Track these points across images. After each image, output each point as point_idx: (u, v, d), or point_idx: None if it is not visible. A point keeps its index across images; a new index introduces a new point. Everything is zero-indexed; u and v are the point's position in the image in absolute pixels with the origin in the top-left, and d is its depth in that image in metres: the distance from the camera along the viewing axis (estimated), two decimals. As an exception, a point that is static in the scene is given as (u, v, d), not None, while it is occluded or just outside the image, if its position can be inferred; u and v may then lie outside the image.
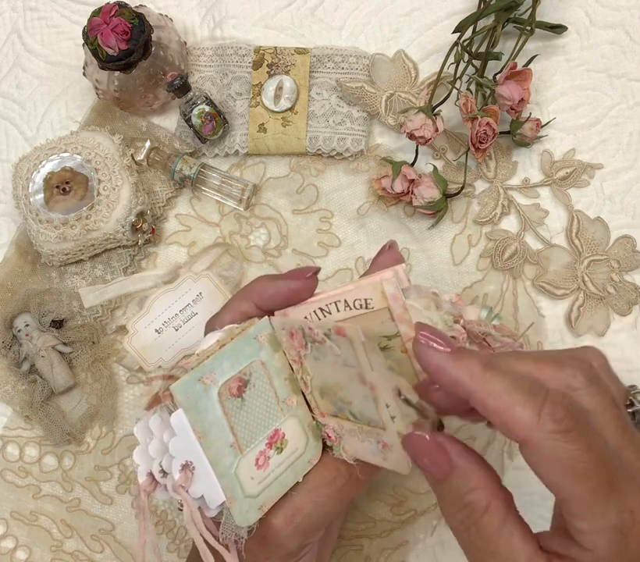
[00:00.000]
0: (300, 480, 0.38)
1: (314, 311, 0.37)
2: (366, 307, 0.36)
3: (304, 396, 0.39)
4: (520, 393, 0.29)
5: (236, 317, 0.39)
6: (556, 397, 0.29)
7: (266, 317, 0.38)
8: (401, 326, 0.36)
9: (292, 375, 0.38)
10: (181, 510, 0.37)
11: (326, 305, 0.37)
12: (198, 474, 0.35)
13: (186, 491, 0.34)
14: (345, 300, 0.36)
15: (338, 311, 0.37)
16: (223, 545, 0.36)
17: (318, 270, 0.39)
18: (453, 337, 0.36)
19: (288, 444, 0.38)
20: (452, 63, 0.53)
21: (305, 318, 0.37)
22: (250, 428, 0.37)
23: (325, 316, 0.37)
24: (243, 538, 0.36)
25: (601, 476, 0.28)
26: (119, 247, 0.57)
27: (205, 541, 0.35)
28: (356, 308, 0.36)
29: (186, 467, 0.34)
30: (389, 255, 0.39)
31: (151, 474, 0.35)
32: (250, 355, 0.37)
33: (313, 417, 0.39)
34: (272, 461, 0.37)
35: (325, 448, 0.39)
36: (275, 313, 0.38)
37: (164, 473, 0.35)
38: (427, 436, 0.32)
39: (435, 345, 0.32)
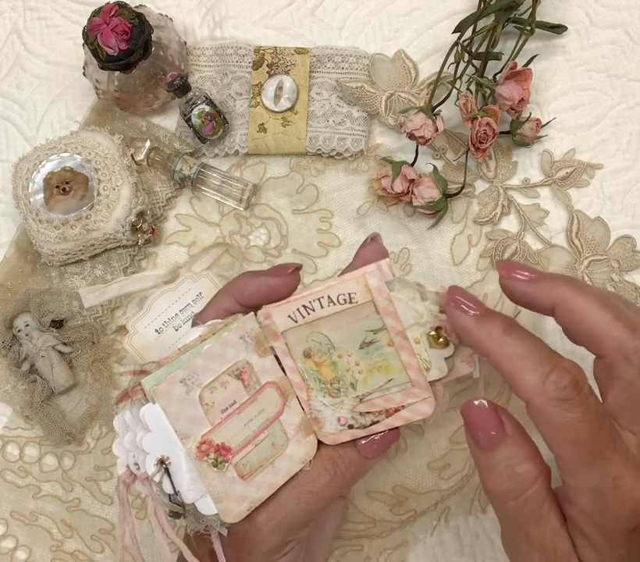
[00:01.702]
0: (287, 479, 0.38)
1: (298, 309, 0.37)
2: (350, 302, 0.36)
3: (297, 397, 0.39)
4: (530, 360, 0.31)
5: (220, 313, 0.39)
6: (565, 367, 0.31)
7: (251, 313, 0.38)
8: (387, 319, 0.36)
9: (283, 378, 0.38)
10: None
11: (310, 302, 0.37)
12: (174, 470, 0.35)
13: (158, 485, 0.34)
14: (328, 296, 0.36)
15: (322, 307, 0.36)
16: (207, 543, 0.37)
17: (299, 267, 0.39)
18: (438, 328, 0.37)
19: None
20: (452, 63, 0.53)
21: (288, 316, 0.37)
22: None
23: (308, 313, 0.37)
24: (215, 530, 0.36)
25: (589, 444, 0.31)
26: (119, 247, 0.57)
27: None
28: (340, 303, 0.36)
29: (162, 462, 0.34)
30: (371, 248, 0.39)
31: (128, 466, 0.36)
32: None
33: (304, 411, 0.39)
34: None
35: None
36: (258, 313, 0.38)
37: (138, 466, 0.35)
38: (486, 404, 0.34)
39: (464, 307, 0.33)
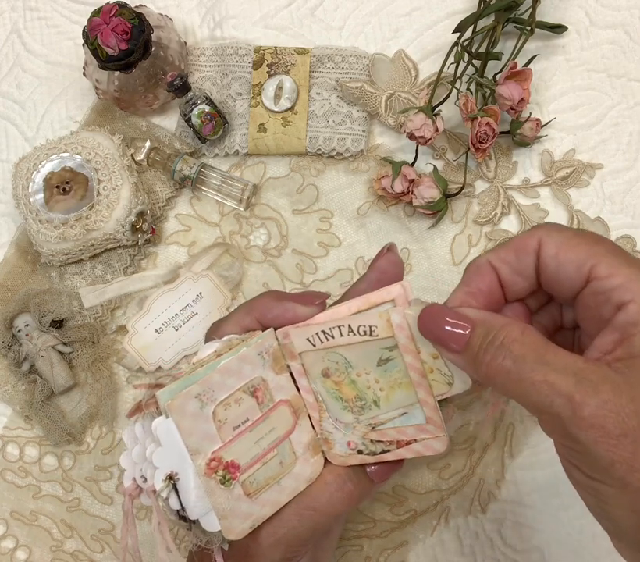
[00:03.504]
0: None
1: (317, 334, 0.36)
2: (370, 335, 0.35)
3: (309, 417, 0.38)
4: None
5: (237, 330, 0.38)
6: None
7: (271, 329, 0.37)
8: (406, 357, 0.35)
9: (296, 396, 0.38)
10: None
11: (330, 328, 0.36)
12: (182, 486, 0.34)
13: (165, 500, 0.34)
14: (349, 326, 0.35)
15: (341, 335, 0.36)
16: (210, 554, 0.36)
17: (327, 296, 0.38)
18: None
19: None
20: (452, 63, 0.53)
21: (307, 339, 0.36)
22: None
23: (327, 340, 0.36)
24: (217, 545, 0.36)
25: None
26: (119, 247, 0.57)
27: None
28: (360, 334, 0.35)
29: (170, 478, 0.34)
30: (387, 259, 0.38)
31: (134, 479, 0.35)
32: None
33: (314, 430, 0.38)
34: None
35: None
36: (277, 331, 0.37)
37: (145, 479, 0.35)
38: (433, 309, 0.33)
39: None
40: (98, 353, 0.56)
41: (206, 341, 0.39)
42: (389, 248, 0.39)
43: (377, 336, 0.35)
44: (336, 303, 0.38)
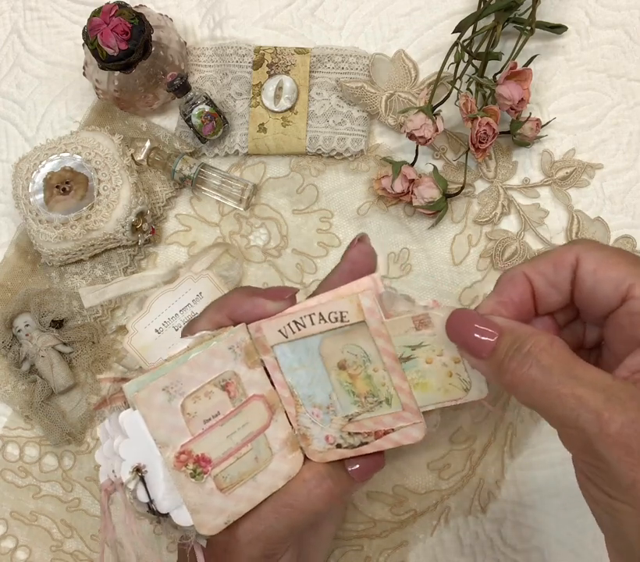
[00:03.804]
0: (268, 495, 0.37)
1: (289, 324, 0.36)
2: (342, 321, 0.35)
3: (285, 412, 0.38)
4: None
5: (210, 326, 0.38)
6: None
7: (243, 324, 0.37)
8: (378, 341, 0.35)
9: (271, 391, 0.37)
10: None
11: (301, 318, 0.36)
12: (151, 479, 0.34)
13: (133, 492, 0.34)
14: (320, 313, 0.36)
15: (313, 323, 0.36)
16: (189, 549, 0.36)
17: (296, 291, 0.38)
18: None
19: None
20: (452, 63, 0.53)
21: (279, 331, 0.36)
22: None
23: (299, 329, 0.36)
24: (191, 539, 0.36)
25: None
26: (119, 247, 0.57)
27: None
28: (331, 321, 0.36)
29: (138, 470, 0.34)
30: (359, 249, 0.38)
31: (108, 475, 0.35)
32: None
33: (291, 427, 0.38)
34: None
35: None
36: (249, 326, 0.37)
37: (115, 473, 0.35)
38: (464, 314, 0.33)
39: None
40: (98, 353, 0.56)
41: (181, 338, 0.39)
42: (360, 239, 0.39)
43: (348, 321, 0.35)
44: (310, 296, 0.38)
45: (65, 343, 0.55)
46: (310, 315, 0.36)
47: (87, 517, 0.56)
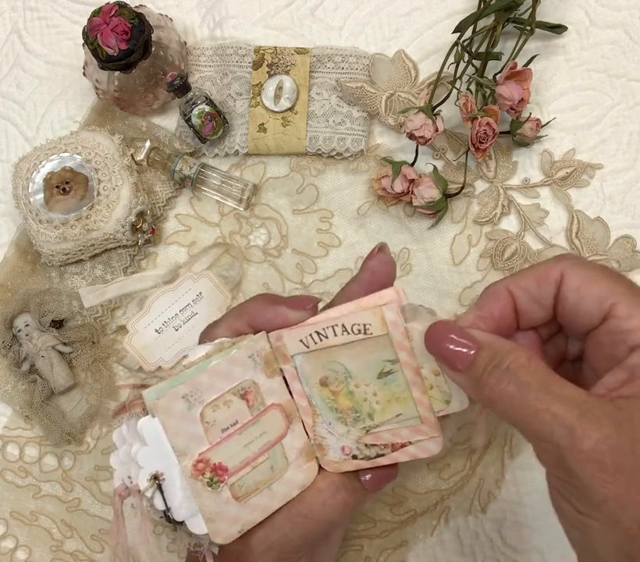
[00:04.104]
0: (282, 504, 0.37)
1: (311, 335, 0.36)
2: (365, 333, 0.35)
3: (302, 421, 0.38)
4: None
5: (229, 334, 0.38)
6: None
7: (263, 332, 0.37)
8: (401, 354, 0.35)
9: (289, 401, 0.37)
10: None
11: (323, 329, 0.36)
12: (168, 487, 0.34)
13: (150, 500, 0.34)
14: (343, 325, 0.35)
15: (335, 335, 0.35)
16: (201, 557, 0.36)
17: (319, 301, 0.37)
18: None
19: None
20: (452, 63, 0.53)
21: (300, 341, 0.36)
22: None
23: (320, 340, 0.36)
24: (203, 547, 0.35)
25: None
26: (119, 247, 0.57)
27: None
28: (354, 333, 0.35)
29: (155, 478, 0.34)
30: (379, 259, 0.38)
31: (123, 479, 0.35)
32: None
33: (308, 436, 0.38)
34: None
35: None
36: (269, 335, 0.37)
37: (132, 479, 0.34)
38: (443, 326, 0.33)
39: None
40: (98, 353, 0.56)
41: (199, 344, 0.38)
42: (381, 248, 0.38)
43: (371, 333, 0.35)
44: (328, 305, 0.38)
45: (65, 343, 0.55)
46: (332, 326, 0.35)
47: (87, 517, 0.56)
